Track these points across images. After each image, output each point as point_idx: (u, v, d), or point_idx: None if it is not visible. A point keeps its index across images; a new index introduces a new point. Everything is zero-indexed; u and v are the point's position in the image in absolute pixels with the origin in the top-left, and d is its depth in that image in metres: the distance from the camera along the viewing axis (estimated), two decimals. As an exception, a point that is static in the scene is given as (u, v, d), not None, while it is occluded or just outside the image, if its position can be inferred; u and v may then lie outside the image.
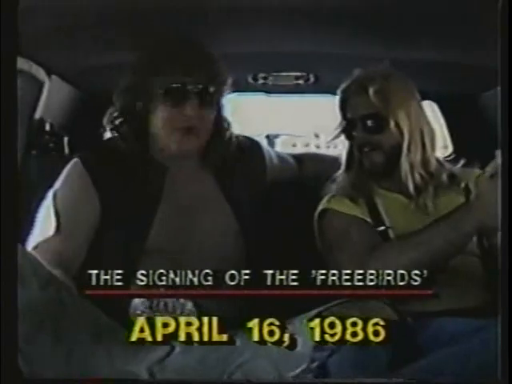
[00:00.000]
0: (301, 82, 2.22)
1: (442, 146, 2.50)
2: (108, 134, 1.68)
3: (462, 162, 1.70)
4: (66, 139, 2.22)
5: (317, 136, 3.99)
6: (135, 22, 1.51)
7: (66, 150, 2.21)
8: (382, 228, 1.57)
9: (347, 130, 1.64)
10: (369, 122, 1.59)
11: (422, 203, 1.60)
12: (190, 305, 1.36)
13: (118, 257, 1.49)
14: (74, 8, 1.40)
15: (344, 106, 1.64)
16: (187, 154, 1.61)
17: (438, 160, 1.68)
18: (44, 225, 1.52)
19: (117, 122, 1.61)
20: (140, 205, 1.54)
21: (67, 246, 1.48)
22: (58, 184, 1.58)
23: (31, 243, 1.49)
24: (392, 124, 1.57)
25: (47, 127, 2.08)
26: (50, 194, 1.56)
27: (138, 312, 1.34)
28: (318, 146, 3.96)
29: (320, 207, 1.63)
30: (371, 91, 1.57)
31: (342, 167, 1.68)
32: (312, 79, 2.20)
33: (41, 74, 1.87)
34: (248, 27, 1.62)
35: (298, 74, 2.17)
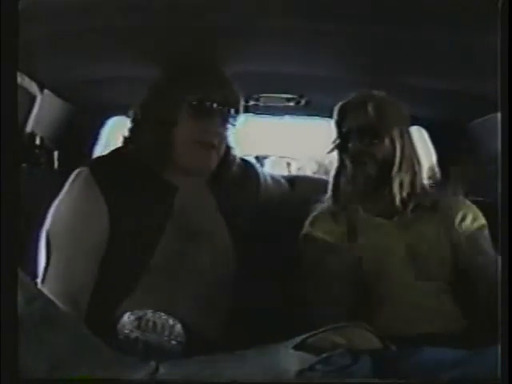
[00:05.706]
0: (292, 104, 2.24)
1: (430, 171, 2.52)
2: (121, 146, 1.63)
3: (447, 188, 1.74)
4: (55, 153, 2.23)
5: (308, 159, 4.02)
6: (128, 36, 1.52)
7: (56, 164, 2.21)
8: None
9: (342, 142, 1.66)
10: (365, 133, 1.62)
11: (401, 226, 1.63)
12: (178, 327, 1.34)
13: (121, 274, 1.48)
14: (67, 23, 1.40)
15: (341, 121, 1.67)
16: (203, 171, 1.60)
17: (424, 184, 1.71)
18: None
19: (136, 133, 1.59)
20: (148, 223, 1.51)
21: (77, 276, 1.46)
22: (66, 199, 1.52)
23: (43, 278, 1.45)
24: (387, 140, 1.62)
25: (38, 141, 2.08)
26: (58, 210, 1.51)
27: (127, 331, 1.32)
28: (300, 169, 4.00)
29: (303, 230, 1.67)
30: (370, 106, 1.61)
31: (330, 189, 1.70)
32: (303, 102, 2.22)
33: (33, 87, 1.87)
34: (240, 48, 1.63)
35: (290, 96, 2.19)
